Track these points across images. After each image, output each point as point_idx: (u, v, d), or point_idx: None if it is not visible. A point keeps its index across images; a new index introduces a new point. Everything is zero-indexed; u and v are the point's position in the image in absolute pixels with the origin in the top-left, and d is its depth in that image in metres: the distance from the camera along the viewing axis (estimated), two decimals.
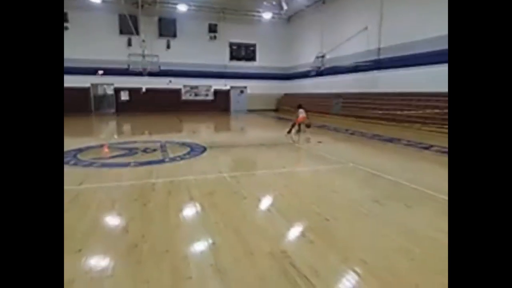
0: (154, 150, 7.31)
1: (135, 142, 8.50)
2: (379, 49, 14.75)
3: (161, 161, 6.11)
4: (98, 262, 2.44)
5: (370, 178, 4.96)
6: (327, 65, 16.50)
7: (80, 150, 7.22)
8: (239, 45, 22.61)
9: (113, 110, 20.92)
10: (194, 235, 2.92)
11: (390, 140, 9.01)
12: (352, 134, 10.54)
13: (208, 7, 20.35)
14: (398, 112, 12.42)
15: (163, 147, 7.65)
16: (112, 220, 3.28)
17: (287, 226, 3.12)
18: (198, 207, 3.64)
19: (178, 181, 4.70)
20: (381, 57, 14.67)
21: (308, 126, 10.47)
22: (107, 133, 12.21)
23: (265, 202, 3.81)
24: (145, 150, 7.24)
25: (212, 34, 21.77)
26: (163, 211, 3.53)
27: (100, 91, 21.60)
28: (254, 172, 5.31)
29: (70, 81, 19.44)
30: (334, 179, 4.94)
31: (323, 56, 16.45)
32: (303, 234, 2.92)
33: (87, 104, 20.29)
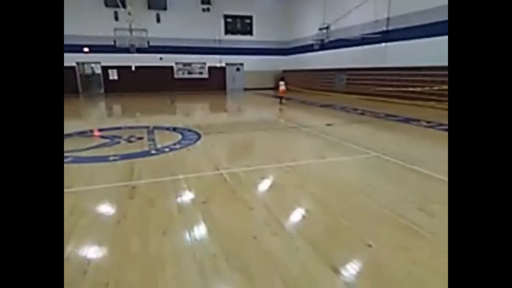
0: (140, 138, 6.29)
1: (119, 128, 7.45)
2: (388, 19, 13.44)
3: (147, 154, 5.11)
4: None
5: (403, 173, 4.03)
6: (331, 38, 15.15)
7: None
8: (235, 17, 21.01)
9: (102, 91, 19.61)
10: (181, 283, 1.98)
11: (407, 121, 8.04)
12: (362, 114, 9.53)
13: None
14: (411, 89, 11.36)
15: (150, 134, 6.62)
16: (68, 252, 2.33)
17: (316, 259, 2.19)
18: (189, 226, 2.69)
19: (164, 183, 3.73)
20: (390, 28, 13.39)
21: (281, 98, 12.67)
22: (90, 117, 11.10)
23: (279, 215, 2.86)
24: (129, 139, 6.22)
25: (205, 6, 20.12)
26: (141, 233, 2.58)
27: (87, 70, 20.16)
28: (259, 167, 4.35)
29: None
30: (360, 176, 3.99)
31: (327, 28, 15.09)
32: (342, 275, 1.99)
33: (73, 84, 18.93)
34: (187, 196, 3.32)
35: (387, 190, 3.48)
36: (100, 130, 7.31)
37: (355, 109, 10.48)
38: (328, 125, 7.62)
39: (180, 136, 6.42)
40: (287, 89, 13.63)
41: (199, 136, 6.40)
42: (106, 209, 3.08)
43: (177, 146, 5.60)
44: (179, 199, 3.24)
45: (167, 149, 5.36)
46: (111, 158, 4.82)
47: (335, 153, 5.06)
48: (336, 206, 3.06)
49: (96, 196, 3.39)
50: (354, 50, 15.22)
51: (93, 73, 20.18)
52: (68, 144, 5.83)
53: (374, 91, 13.43)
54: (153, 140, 6.11)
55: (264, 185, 3.66)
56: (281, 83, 12.88)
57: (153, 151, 5.25)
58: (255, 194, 3.36)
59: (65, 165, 4.50)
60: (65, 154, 5.04)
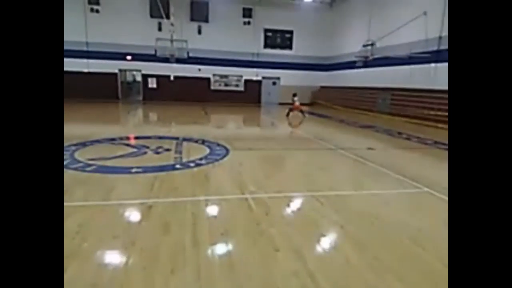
0: (167, 150, 6.06)
1: (149, 137, 7.33)
2: (440, 38, 12.48)
3: (171, 167, 4.82)
4: None
5: None
6: (376, 55, 14.38)
7: (83, 145, 6.15)
8: (275, 32, 20.90)
9: (140, 98, 20.25)
10: None
11: None
12: (407, 139, 8.69)
13: None
14: None
15: (178, 146, 6.39)
16: None
17: None
18: (202, 265, 2.25)
19: (183, 204, 3.36)
20: (442, 47, 12.42)
21: (302, 111, 13.38)
22: (125, 124, 11.27)
23: (310, 263, 2.34)
24: (156, 150, 6.01)
25: (246, 19, 20.24)
26: (146, 267, 2.19)
27: (129, 77, 20.97)
28: (290, 195, 3.85)
29: (98, 66, 18.97)
30: (410, 218, 3.35)
31: (372, 45, 14.37)
32: None
33: (114, 90, 19.73)
34: (205, 224, 2.90)
35: (445, 237, 2.82)
36: (130, 138, 7.23)
37: (400, 133, 9.63)
38: (369, 149, 6.94)
39: (208, 150, 6.10)
40: (301, 104, 13.84)
41: (227, 152, 6.04)
42: (115, 231, 2.74)
43: (203, 161, 5.26)
44: (195, 227, 2.83)
45: (192, 164, 5.04)
46: (134, 170, 4.58)
47: (379, 185, 4.42)
48: (383, 257, 2.47)
49: (109, 214, 3.09)
50: (400, 69, 14.32)
51: (134, 80, 20.93)
52: (96, 151, 5.74)
53: (420, 114, 12.41)
54: (180, 152, 5.85)
55: (294, 219, 3.14)
56: (295, 98, 13.27)
57: (178, 165, 4.95)
58: (283, 230, 2.86)
59: (88, 174, 4.32)
60: (90, 162, 4.90)
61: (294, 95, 13.59)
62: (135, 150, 5.97)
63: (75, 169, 4.54)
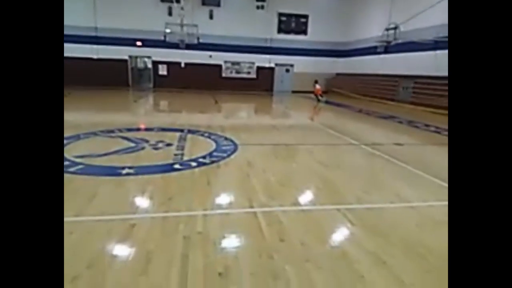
0: (168, 144, 5.38)
1: (151, 129, 6.67)
2: None
3: (169, 168, 4.13)
4: None
5: None
6: (400, 40, 13.18)
7: (77, 138, 5.55)
8: (289, 16, 19.75)
9: (151, 85, 19.66)
10: None
11: None
12: (437, 132, 7.74)
13: None
14: None
15: (181, 141, 5.69)
16: None
17: None
18: None
19: (175, 223, 2.66)
20: None
21: (322, 96, 14.80)
22: (129, 113, 10.66)
23: None
24: (156, 145, 5.34)
25: (260, 3, 19.12)
26: None
27: (140, 64, 20.34)
28: (309, 208, 3.11)
29: (107, 52, 18.38)
30: None
31: (395, 28, 13.16)
32: None
33: (125, 77, 19.18)
34: (199, 257, 2.19)
35: None
36: (129, 130, 6.58)
37: (427, 125, 8.66)
38: (397, 144, 6.08)
39: (213, 146, 5.39)
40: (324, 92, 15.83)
41: (236, 147, 5.32)
42: (77, 269, 2.07)
43: (207, 159, 4.55)
44: (185, 262, 2.13)
45: (194, 163, 4.34)
46: (125, 171, 3.91)
47: (417, 193, 3.61)
48: None
49: (77, 239, 2.41)
50: (424, 55, 13.13)
51: (146, 67, 20.30)
52: (88, 146, 5.12)
53: (446, 104, 11.32)
54: (182, 148, 5.15)
55: (318, 250, 2.37)
56: (317, 86, 15.00)
57: (176, 165, 4.26)
58: (304, 268, 2.12)
59: (70, 176, 3.68)
60: (78, 160, 4.27)
61: (316, 82, 15.04)
62: (132, 144, 5.31)
63: None
